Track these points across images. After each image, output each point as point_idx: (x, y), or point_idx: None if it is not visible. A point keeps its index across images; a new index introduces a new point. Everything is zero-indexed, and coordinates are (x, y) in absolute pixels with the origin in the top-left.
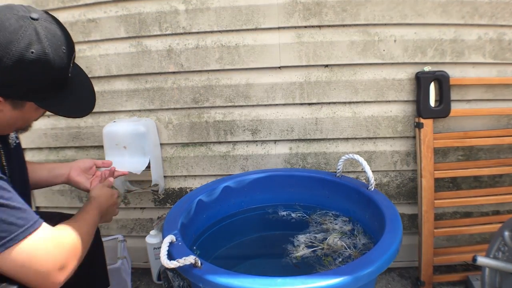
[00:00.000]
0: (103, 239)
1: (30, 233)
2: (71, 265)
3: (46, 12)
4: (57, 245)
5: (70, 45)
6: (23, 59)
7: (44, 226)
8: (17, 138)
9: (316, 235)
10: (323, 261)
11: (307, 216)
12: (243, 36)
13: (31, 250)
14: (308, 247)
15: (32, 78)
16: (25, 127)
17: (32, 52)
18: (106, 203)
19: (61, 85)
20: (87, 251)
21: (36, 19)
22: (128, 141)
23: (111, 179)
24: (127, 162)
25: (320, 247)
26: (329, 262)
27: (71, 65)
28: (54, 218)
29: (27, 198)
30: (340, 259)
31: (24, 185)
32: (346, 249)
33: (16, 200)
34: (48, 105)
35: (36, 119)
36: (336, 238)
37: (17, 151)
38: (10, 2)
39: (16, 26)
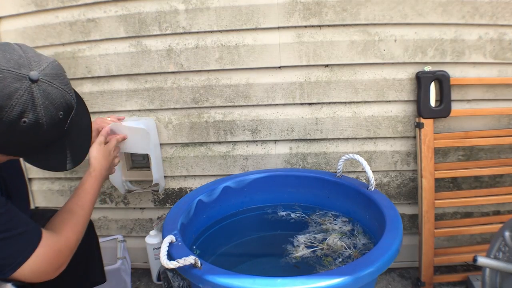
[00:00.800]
0: (103, 239)
1: (30, 256)
2: (67, 261)
3: (52, 62)
4: (56, 255)
5: (68, 107)
6: (14, 127)
7: (42, 242)
8: None
9: (315, 235)
10: (323, 261)
11: (307, 217)
12: (243, 36)
13: (33, 268)
14: (308, 247)
15: (22, 144)
16: None
17: (25, 122)
18: (104, 166)
19: (51, 144)
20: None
21: (36, 81)
22: (129, 138)
23: (114, 141)
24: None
25: (320, 248)
26: (329, 263)
27: (68, 121)
28: (47, 215)
29: (25, 202)
30: (340, 260)
31: (20, 191)
32: (346, 249)
33: (12, 218)
34: (33, 161)
35: None
36: (336, 238)
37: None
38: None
39: (12, 89)
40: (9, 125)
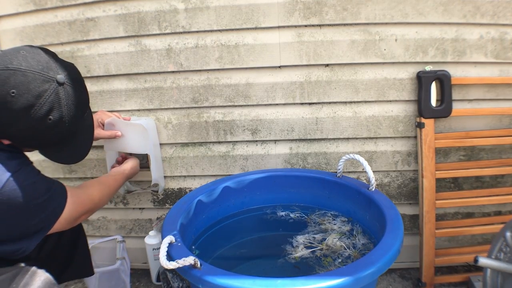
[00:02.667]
0: (102, 240)
1: (64, 207)
2: (88, 214)
3: (71, 70)
4: (78, 206)
5: (85, 106)
6: (40, 124)
7: (69, 193)
8: None
9: (315, 235)
10: (323, 262)
11: (306, 217)
12: (243, 35)
13: (65, 217)
14: (307, 247)
15: (43, 138)
16: None
17: (50, 119)
18: (133, 172)
19: (66, 140)
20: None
21: (62, 84)
22: (128, 137)
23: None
24: (128, 149)
25: (319, 248)
26: (328, 263)
27: (82, 123)
28: None
29: None
30: (340, 260)
31: None
32: (346, 249)
33: (45, 181)
34: (48, 154)
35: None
36: (335, 238)
37: None
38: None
39: (41, 90)
40: (37, 122)
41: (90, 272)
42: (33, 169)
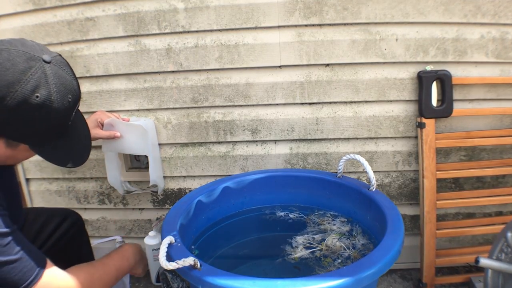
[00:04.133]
0: (101, 240)
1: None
2: None
3: (59, 56)
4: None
5: (76, 94)
6: (27, 102)
7: (46, 273)
8: None
9: (314, 236)
10: (323, 262)
11: (306, 217)
12: (243, 35)
13: None
14: (307, 248)
15: (32, 122)
16: (13, 164)
17: (37, 97)
18: (136, 258)
19: (59, 133)
20: None
21: (48, 62)
22: (127, 138)
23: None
24: (127, 150)
25: (318, 248)
26: (328, 264)
27: (74, 113)
28: (42, 214)
29: (17, 209)
30: (339, 260)
31: (13, 201)
32: (345, 250)
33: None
34: (41, 152)
35: (26, 159)
36: (334, 239)
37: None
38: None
39: (26, 66)
40: (23, 99)
41: None
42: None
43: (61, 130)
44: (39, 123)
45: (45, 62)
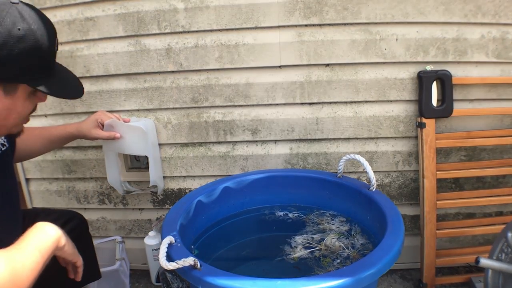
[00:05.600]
0: (101, 240)
1: None
2: None
3: (28, 4)
4: None
5: (52, 28)
6: (11, 35)
7: None
8: (6, 142)
9: (313, 235)
10: (322, 262)
11: (305, 217)
12: (243, 34)
13: None
14: (306, 248)
15: (21, 55)
16: (18, 126)
17: (19, 29)
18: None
19: (49, 66)
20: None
21: (17, 3)
22: (127, 138)
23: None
24: (127, 150)
25: (317, 248)
26: (327, 264)
27: (56, 49)
28: (46, 215)
29: (14, 209)
30: (339, 261)
31: (8, 197)
32: (344, 249)
33: None
34: (43, 87)
35: (28, 114)
36: (333, 238)
37: (3, 158)
38: None
39: None
40: (7, 34)
41: (97, 276)
42: None
43: (50, 63)
44: (27, 55)
45: (14, 3)
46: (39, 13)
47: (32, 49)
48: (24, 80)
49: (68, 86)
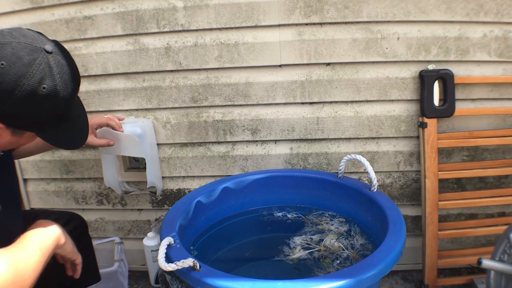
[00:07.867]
0: (99, 241)
1: None
2: None
3: (58, 43)
4: None
5: (77, 79)
6: (35, 94)
7: None
8: None
9: (312, 236)
10: (322, 263)
11: (306, 217)
12: (242, 33)
13: None
14: (305, 249)
15: (39, 112)
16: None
17: (44, 88)
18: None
19: (64, 117)
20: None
21: (50, 53)
22: (123, 143)
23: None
24: (123, 152)
25: (317, 249)
26: (327, 264)
27: (74, 98)
28: (45, 216)
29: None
30: (338, 261)
31: (9, 196)
32: (344, 250)
33: None
34: (47, 137)
35: (28, 143)
36: (333, 239)
37: (4, 162)
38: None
39: (31, 59)
40: (31, 91)
41: (97, 278)
42: None
43: (65, 115)
44: (45, 112)
45: (48, 52)
46: (69, 62)
47: (51, 107)
48: (33, 130)
49: (73, 136)
